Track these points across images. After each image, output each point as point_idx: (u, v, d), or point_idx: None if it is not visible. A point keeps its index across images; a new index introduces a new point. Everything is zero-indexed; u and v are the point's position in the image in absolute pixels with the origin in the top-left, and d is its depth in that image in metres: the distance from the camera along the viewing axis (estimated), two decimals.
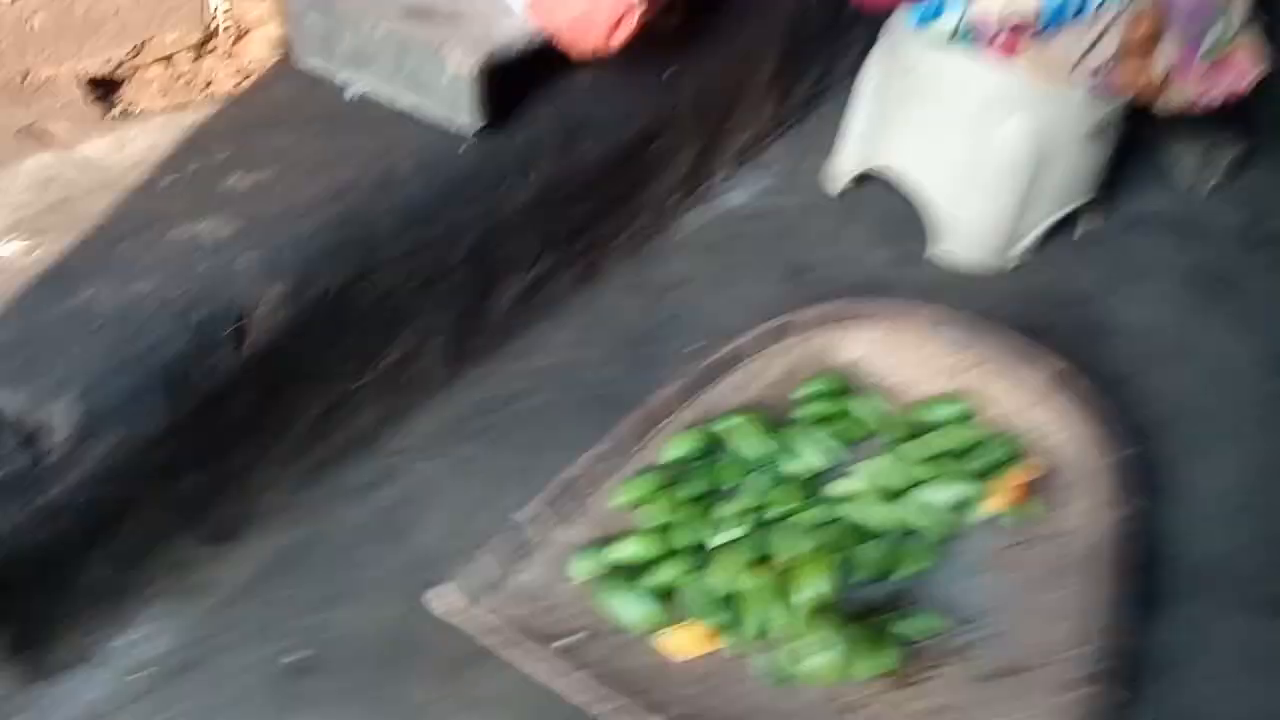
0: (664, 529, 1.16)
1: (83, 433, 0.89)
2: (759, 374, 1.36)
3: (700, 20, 1.56)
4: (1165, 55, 1.39)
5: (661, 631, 1.08)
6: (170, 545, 1.05)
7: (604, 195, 1.46)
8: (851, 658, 1.03)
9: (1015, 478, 1.22)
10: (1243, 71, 1.40)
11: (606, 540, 1.15)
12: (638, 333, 1.49)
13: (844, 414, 1.33)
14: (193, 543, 1.08)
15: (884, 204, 1.76)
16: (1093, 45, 1.38)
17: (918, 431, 1.30)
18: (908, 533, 1.19)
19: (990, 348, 1.32)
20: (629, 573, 1.12)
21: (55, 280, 0.97)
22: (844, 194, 1.79)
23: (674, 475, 1.23)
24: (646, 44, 1.44)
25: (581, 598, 1.11)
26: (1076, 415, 1.24)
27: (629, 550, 1.14)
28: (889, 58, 1.64)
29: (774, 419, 1.31)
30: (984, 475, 1.23)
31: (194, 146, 1.18)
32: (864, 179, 1.78)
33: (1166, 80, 1.41)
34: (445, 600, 1.06)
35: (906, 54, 1.59)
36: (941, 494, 1.21)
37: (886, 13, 1.60)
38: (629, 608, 1.09)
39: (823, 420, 1.31)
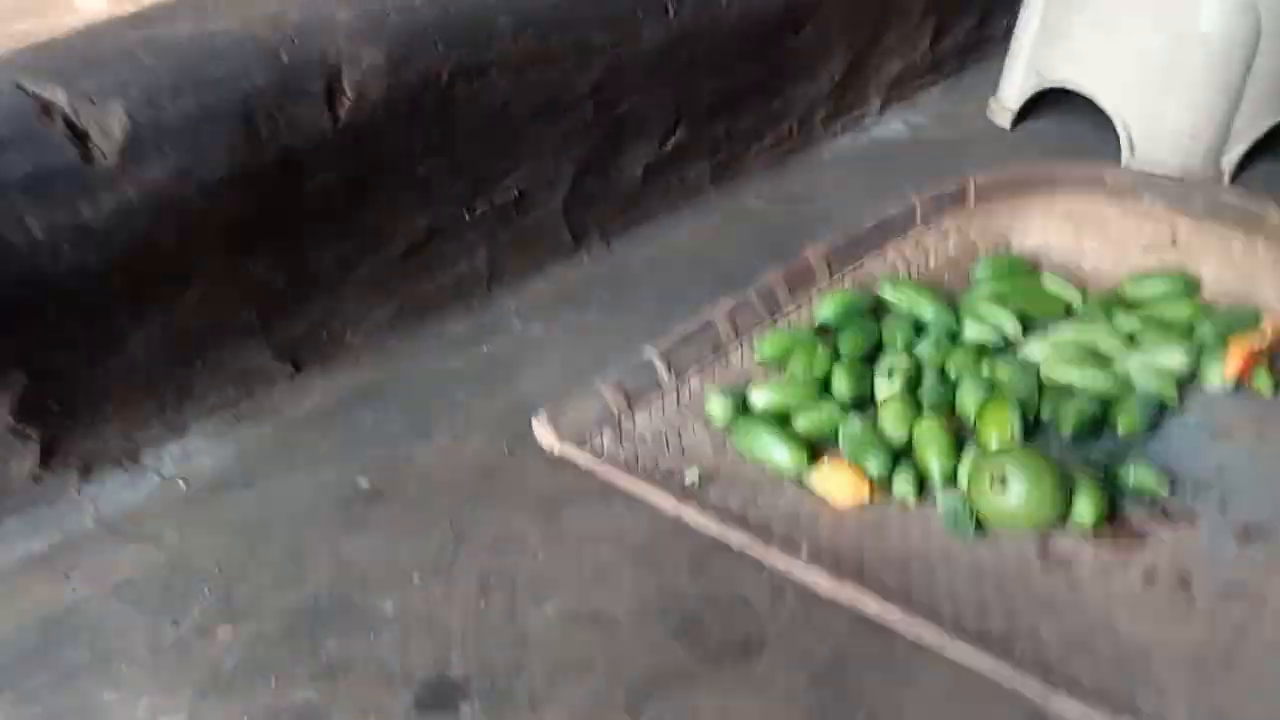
0: (814, 378, 0.96)
1: (138, 145, 0.76)
2: (932, 247, 1.15)
3: None
4: None
5: (815, 474, 0.86)
6: (239, 348, 0.90)
7: (744, 76, 1.32)
8: (1058, 496, 0.79)
9: (1245, 345, 0.97)
10: None
11: (748, 386, 0.95)
12: (779, 233, 1.30)
13: (1033, 291, 1.11)
14: (266, 355, 0.93)
15: (1062, 131, 1.56)
16: None
17: (1127, 307, 1.06)
18: (1119, 394, 0.95)
19: (1207, 208, 1.09)
20: (773, 417, 0.91)
21: (134, 19, 0.86)
22: (1013, 128, 1.60)
23: (830, 332, 1.02)
24: None
25: (716, 441, 0.91)
26: None
27: (774, 394, 0.93)
28: None
29: (949, 293, 1.10)
30: (1209, 346, 0.99)
31: None
32: (1036, 111, 1.58)
33: None
34: (554, 428, 0.87)
35: None
36: (1160, 358, 0.97)
37: None
38: (774, 448, 0.87)
39: (1013, 294, 1.09)
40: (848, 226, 1.12)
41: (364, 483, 0.88)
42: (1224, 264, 1.07)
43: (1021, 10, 1.57)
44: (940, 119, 1.65)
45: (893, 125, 1.62)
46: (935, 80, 1.74)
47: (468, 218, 1.05)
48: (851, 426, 0.89)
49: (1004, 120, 1.60)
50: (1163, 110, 1.40)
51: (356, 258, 0.98)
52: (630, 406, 0.91)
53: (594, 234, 1.21)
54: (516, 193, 1.10)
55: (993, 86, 1.64)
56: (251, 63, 0.83)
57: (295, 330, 0.97)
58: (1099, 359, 0.98)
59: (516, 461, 0.90)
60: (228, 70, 0.82)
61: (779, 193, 1.40)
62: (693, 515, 0.80)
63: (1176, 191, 1.10)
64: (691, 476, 0.85)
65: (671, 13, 1.16)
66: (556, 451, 0.86)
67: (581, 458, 0.86)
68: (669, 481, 0.84)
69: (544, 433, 0.88)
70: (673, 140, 1.25)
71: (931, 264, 1.15)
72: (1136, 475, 0.85)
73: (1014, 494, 0.79)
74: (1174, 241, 1.11)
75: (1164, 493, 0.84)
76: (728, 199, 1.36)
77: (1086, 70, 1.46)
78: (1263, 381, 0.95)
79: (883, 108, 1.64)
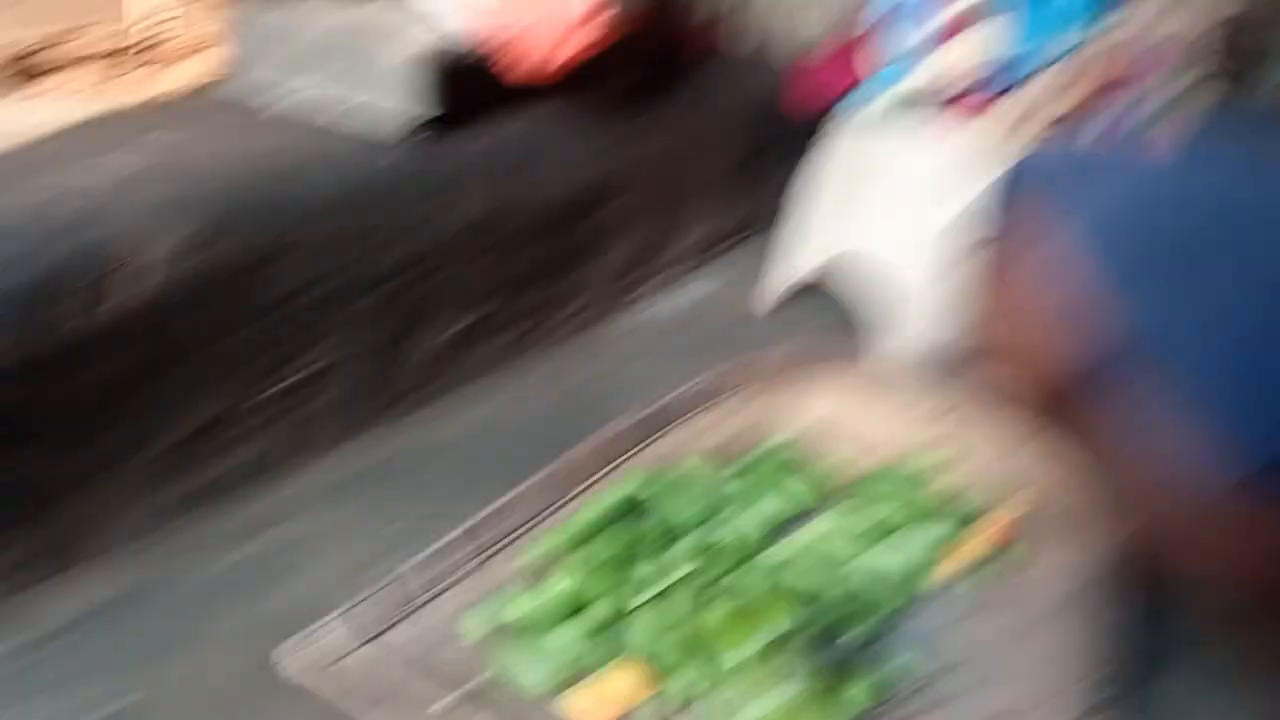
0: (576, 587, 0.98)
1: None
2: (706, 429, 1.21)
3: (654, 93, 1.53)
4: (1124, 103, 1.34)
5: (568, 692, 0.88)
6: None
7: (547, 253, 1.38)
8: (809, 703, 0.84)
9: (996, 522, 1.07)
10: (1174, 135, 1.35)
11: (506, 598, 0.98)
12: (579, 404, 1.36)
13: (802, 471, 1.17)
14: (19, 552, 0.90)
15: (838, 307, 1.66)
16: (1056, 97, 1.32)
17: (886, 485, 1.14)
18: (872, 582, 1.02)
19: (964, 395, 1.18)
20: (530, 630, 0.94)
21: None
22: (797, 299, 1.69)
23: (593, 533, 1.06)
24: (596, 95, 1.40)
25: (471, 658, 0.92)
26: (1057, 458, 1.09)
27: (531, 606, 0.96)
28: (836, 149, 1.59)
29: (719, 478, 1.16)
30: (964, 522, 1.08)
31: (110, 121, 1.10)
32: (817, 287, 1.69)
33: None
34: (301, 657, 0.88)
35: (854, 142, 1.54)
36: (916, 540, 1.05)
37: (825, 112, 1.57)
38: (529, 666, 0.89)
39: (777, 477, 1.16)
40: (634, 409, 1.18)
41: (110, 707, 0.86)
42: (985, 447, 1.16)
43: (805, 194, 1.68)
44: (738, 285, 1.74)
45: (692, 290, 1.70)
46: (743, 240, 1.84)
47: (256, 402, 1.06)
48: (608, 638, 0.92)
49: (791, 292, 1.70)
50: (933, 289, 1.52)
51: (133, 447, 0.97)
52: (387, 625, 0.92)
53: (390, 413, 1.23)
54: (309, 374, 1.11)
55: (787, 253, 1.74)
56: (31, 246, 0.83)
57: (63, 525, 0.95)
58: (840, 561, 1.05)
59: (271, 683, 0.89)
60: (5, 254, 0.81)
61: (582, 364, 1.46)
62: None
63: (941, 377, 1.20)
64: (441, 704, 0.86)
65: (473, 198, 1.21)
66: (301, 682, 0.86)
67: (327, 688, 0.86)
68: (420, 711, 0.85)
69: (291, 662, 0.88)
70: (474, 316, 1.29)
71: (701, 449, 1.20)
72: (892, 668, 0.91)
73: (771, 703, 0.84)
74: (937, 424, 1.20)
75: (917, 677, 0.90)
76: (529, 372, 1.41)
77: (865, 252, 1.56)
78: (1016, 553, 1.04)
79: (684, 273, 1.72)
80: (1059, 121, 1.34)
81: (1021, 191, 0.74)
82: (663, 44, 1.56)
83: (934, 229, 1.49)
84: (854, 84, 1.47)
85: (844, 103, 1.48)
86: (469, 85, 1.21)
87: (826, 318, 1.64)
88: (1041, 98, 1.32)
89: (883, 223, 1.55)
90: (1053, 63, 1.31)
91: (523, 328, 1.39)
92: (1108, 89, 1.31)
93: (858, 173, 1.56)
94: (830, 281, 1.60)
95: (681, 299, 1.67)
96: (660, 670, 0.91)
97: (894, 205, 1.52)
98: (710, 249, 1.77)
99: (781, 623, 0.95)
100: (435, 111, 1.15)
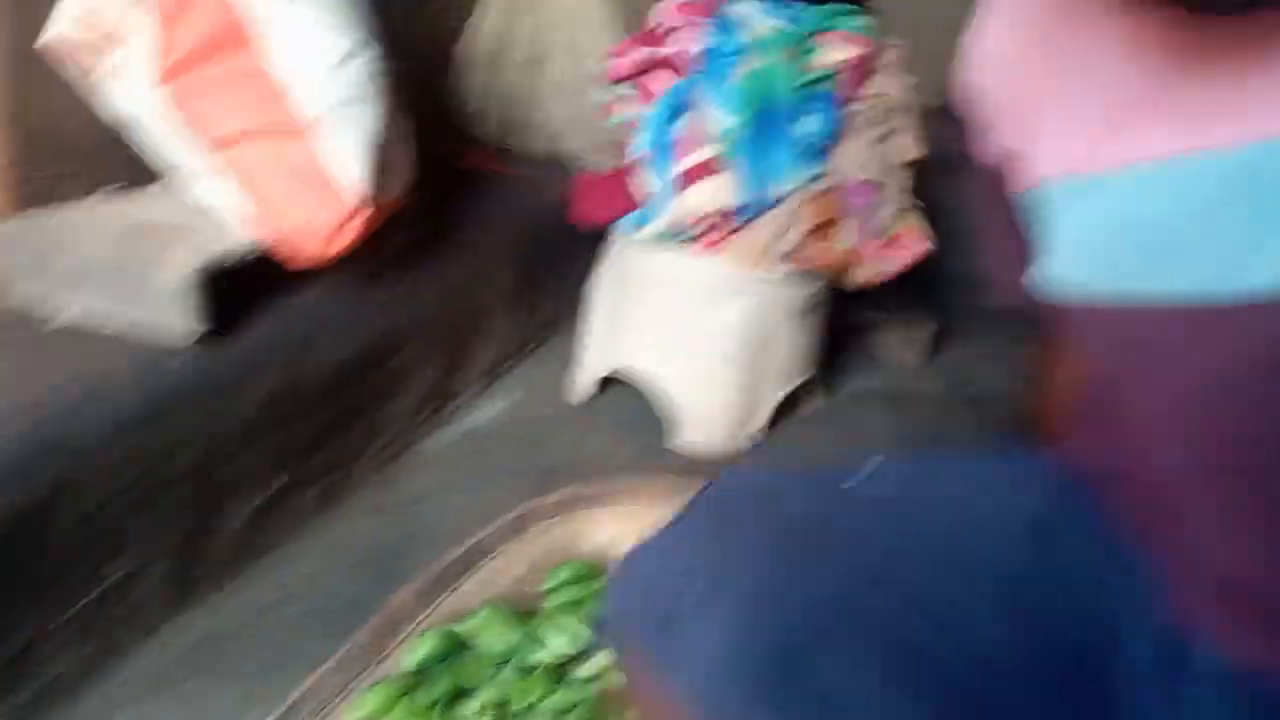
0: None
1: None
2: (503, 569, 1.32)
3: (432, 236, 1.64)
4: (844, 237, 1.57)
5: None
6: None
7: (341, 411, 1.45)
8: None
9: None
10: (910, 248, 1.59)
11: None
12: (383, 549, 1.43)
13: (595, 597, 1.31)
14: None
15: (628, 405, 1.83)
16: (783, 232, 1.53)
17: None
18: None
19: None
20: None
21: None
22: (590, 400, 1.85)
23: (415, 681, 1.15)
24: (375, 257, 1.50)
25: None
26: None
27: None
28: (614, 263, 1.76)
29: (522, 612, 1.28)
30: None
31: None
32: (608, 383, 1.85)
33: (850, 258, 1.58)
34: None
35: (629, 258, 1.71)
36: None
37: (606, 225, 1.74)
38: None
39: (574, 605, 1.28)
40: (431, 561, 1.26)
41: None
42: None
43: (589, 303, 1.84)
44: (533, 391, 1.87)
45: (490, 407, 1.81)
46: (535, 350, 1.97)
47: (68, 617, 1.08)
48: None
49: (584, 394, 1.85)
50: (701, 394, 1.70)
51: None
52: None
53: (197, 589, 1.27)
54: (115, 581, 1.14)
55: (578, 355, 1.89)
56: None
57: None
58: None
59: None
60: None
61: (384, 503, 1.53)
62: None
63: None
64: None
65: (257, 388, 1.28)
66: None
67: None
68: None
69: None
70: (273, 488, 1.35)
71: (510, 578, 1.32)
72: None
73: None
74: None
75: None
76: (338, 522, 1.46)
77: (638, 361, 1.74)
78: None
79: (481, 392, 1.83)
80: (792, 253, 1.55)
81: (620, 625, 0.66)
82: (435, 187, 1.66)
83: (692, 345, 1.68)
84: (629, 205, 1.64)
85: (620, 222, 1.64)
86: (247, 285, 1.27)
87: (630, 414, 1.81)
88: (771, 233, 1.53)
89: (649, 339, 1.72)
90: (775, 205, 1.52)
91: (322, 485, 1.45)
92: (827, 223, 1.54)
93: (627, 293, 1.73)
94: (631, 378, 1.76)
95: (479, 419, 1.77)
96: None
97: (657, 324, 1.70)
98: (504, 364, 1.89)
99: None
100: (210, 325, 1.21)
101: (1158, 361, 0.57)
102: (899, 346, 2.00)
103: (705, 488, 0.72)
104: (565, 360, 1.95)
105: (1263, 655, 0.59)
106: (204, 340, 1.22)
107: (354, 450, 1.52)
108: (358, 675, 1.13)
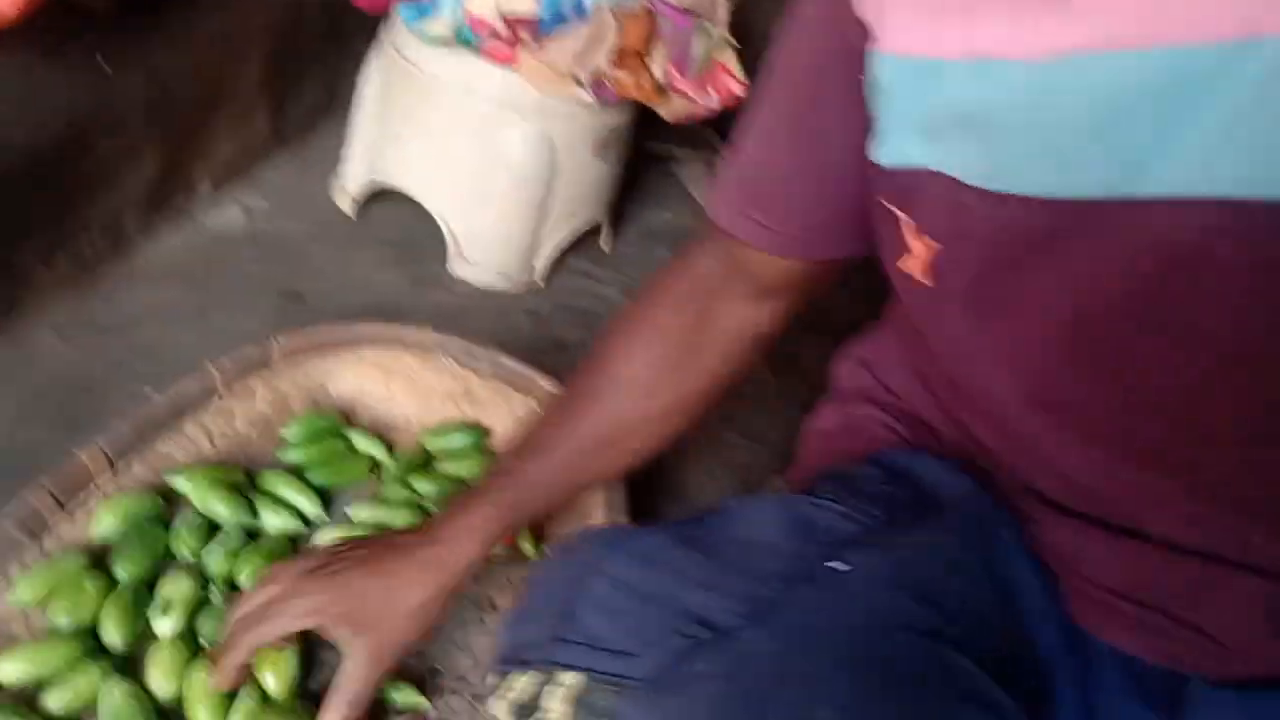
0: (80, 628, 0.88)
1: None
2: (233, 414, 1.12)
3: (151, 6, 1.31)
4: (659, 65, 1.38)
5: None
6: None
7: (19, 203, 1.15)
8: None
9: None
10: (724, 88, 1.43)
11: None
12: (75, 383, 1.17)
13: (341, 453, 1.13)
14: None
15: (401, 223, 1.61)
16: (587, 50, 1.32)
17: (424, 463, 1.14)
18: None
19: (492, 369, 1.19)
20: (19, 697, 0.83)
21: None
22: (356, 215, 1.61)
23: (106, 553, 0.95)
24: (64, 24, 1.16)
25: None
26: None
27: (23, 665, 0.84)
28: (390, 61, 1.49)
29: (252, 465, 1.09)
30: None
31: None
32: (379, 197, 1.61)
33: (657, 92, 1.40)
34: None
35: (407, 57, 1.45)
36: None
37: (386, 11, 1.46)
38: None
39: (315, 463, 1.11)
40: (137, 408, 1.03)
41: None
42: (509, 418, 1.19)
43: (354, 104, 1.57)
44: (283, 199, 1.61)
45: (229, 211, 1.54)
46: (280, 152, 1.68)
47: None
48: (110, 698, 0.83)
49: (346, 205, 1.61)
50: (481, 221, 1.51)
51: None
52: None
53: None
54: None
55: (338, 161, 1.63)
56: None
57: None
58: None
59: None
60: None
61: (82, 321, 1.25)
62: None
63: (467, 353, 1.19)
64: None
65: None
66: None
67: None
68: None
69: None
70: None
71: (239, 427, 1.12)
72: (397, 692, 0.91)
73: None
74: (468, 395, 1.20)
75: (426, 706, 0.92)
76: (12, 345, 1.18)
77: (415, 176, 1.51)
78: (527, 546, 1.08)
79: (216, 191, 1.54)
80: (593, 77, 1.35)
81: None
82: None
83: (471, 169, 1.47)
84: None
85: (400, 8, 1.37)
86: None
87: (401, 235, 1.59)
88: (573, 51, 1.32)
89: (422, 156, 1.49)
90: (580, 20, 1.30)
91: (15, 283, 1.17)
92: (638, 47, 1.33)
93: (400, 97, 1.48)
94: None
95: (210, 228, 1.50)
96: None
97: (432, 139, 1.47)
98: (248, 164, 1.60)
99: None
100: None
101: (1031, 253, 0.53)
102: (698, 184, 1.86)
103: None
104: (326, 167, 1.69)
105: (1143, 651, 0.61)
106: None
107: (38, 255, 1.22)
108: (17, 550, 0.91)
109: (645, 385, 0.81)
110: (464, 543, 0.79)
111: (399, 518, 1.06)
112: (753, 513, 0.60)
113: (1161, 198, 0.46)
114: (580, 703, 0.52)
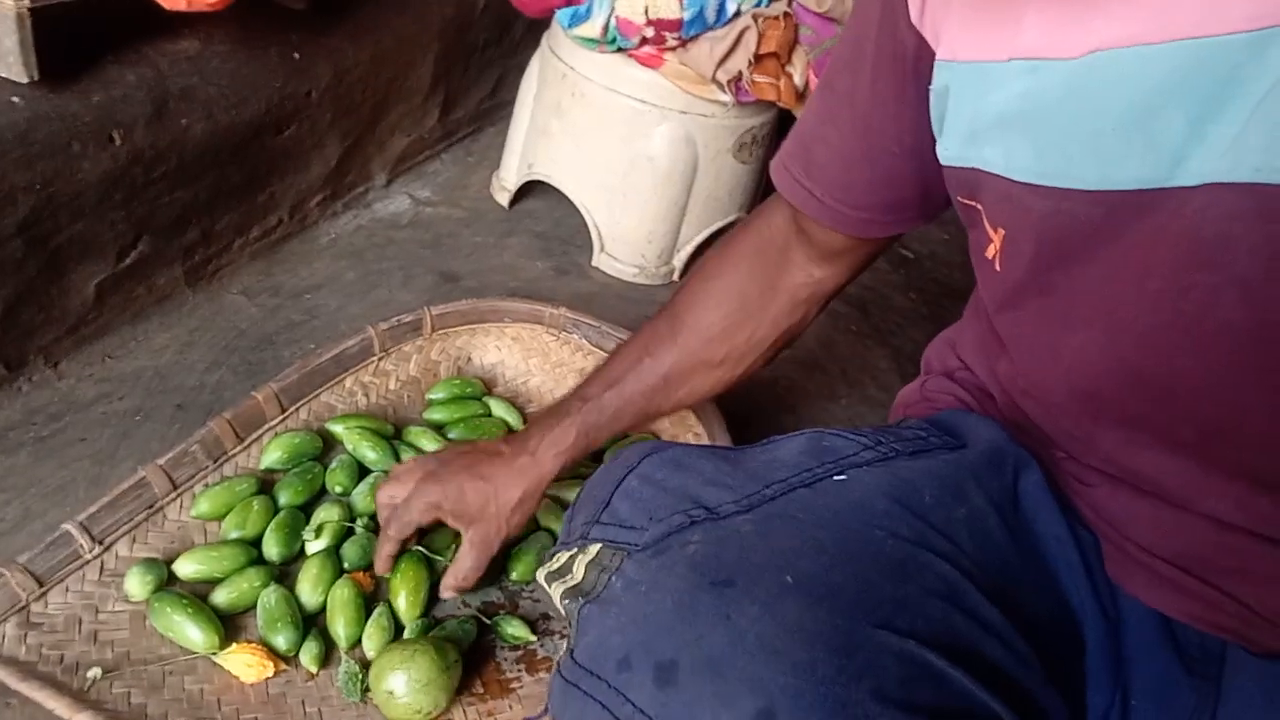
0: (245, 540, 1.01)
1: None
2: (388, 373, 1.24)
3: (338, 5, 1.47)
4: (798, 70, 1.44)
5: (225, 653, 0.92)
6: None
7: (218, 182, 1.31)
8: (439, 695, 0.90)
9: None
10: None
11: (175, 554, 0.99)
12: (255, 337, 1.33)
13: (479, 417, 1.24)
14: None
15: (551, 215, 1.72)
16: (729, 52, 1.39)
17: None
18: (533, 533, 1.11)
19: None
20: (194, 590, 0.96)
21: None
22: (510, 206, 1.73)
23: (272, 481, 1.08)
24: (266, 18, 1.33)
25: (135, 618, 0.94)
26: (704, 415, 1.21)
27: (200, 564, 0.98)
28: (547, 63, 1.60)
29: (400, 421, 1.21)
30: None
31: None
32: (531, 191, 1.73)
33: (803, 95, 1.45)
34: None
35: (562, 59, 1.56)
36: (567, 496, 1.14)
37: (546, 15, 1.57)
38: (188, 628, 0.92)
39: (455, 423, 1.22)
40: (306, 362, 1.18)
41: None
42: None
43: (516, 104, 1.70)
44: (447, 191, 1.75)
45: (398, 200, 1.69)
46: (447, 148, 1.83)
47: None
48: (267, 599, 0.96)
49: (503, 199, 1.73)
50: (624, 216, 1.60)
51: None
52: (42, 587, 0.92)
53: (36, 362, 1.16)
54: None
55: (500, 158, 1.76)
56: None
57: None
58: None
59: None
60: None
61: (267, 286, 1.42)
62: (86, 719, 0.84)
63: (599, 334, 1.28)
64: (93, 674, 0.88)
65: (118, 140, 1.13)
66: None
67: None
68: (67, 681, 0.87)
69: None
70: (133, 255, 1.23)
71: (391, 386, 1.24)
72: (510, 626, 1.00)
73: (402, 699, 0.89)
74: None
75: (532, 639, 1.01)
76: (207, 301, 1.35)
77: (564, 172, 1.62)
78: None
79: (389, 182, 1.70)
80: (735, 80, 1.42)
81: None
82: None
83: (616, 165, 1.56)
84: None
85: (557, 13, 1.48)
86: (107, 28, 1.11)
87: (550, 227, 1.70)
88: (715, 54, 1.39)
89: (571, 152, 1.60)
90: (723, 24, 1.37)
91: (190, 264, 1.33)
92: (779, 50, 1.40)
93: (554, 97, 1.59)
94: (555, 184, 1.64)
95: (381, 212, 1.65)
96: (318, 626, 0.97)
97: (581, 136, 1.57)
98: (417, 157, 1.75)
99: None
100: (32, 75, 1.04)
101: (1076, 244, 0.55)
102: None
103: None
104: (486, 161, 1.83)
105: (1183, 616, 0.62)
106: (48, 84, 1.07)
107: (233, 228, 1.39)
108: (199, 472, 1.06)
109: (714, 331, 0.90)
110: (549, 456, 0.92)
111: None
112: (786, 440, 0.67)
113: (1195, 186, 0.48)
114: (593, 563, 0.61)
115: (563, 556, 0.64)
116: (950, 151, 0.63)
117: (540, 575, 0.68)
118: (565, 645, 0.60)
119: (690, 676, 0.50)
